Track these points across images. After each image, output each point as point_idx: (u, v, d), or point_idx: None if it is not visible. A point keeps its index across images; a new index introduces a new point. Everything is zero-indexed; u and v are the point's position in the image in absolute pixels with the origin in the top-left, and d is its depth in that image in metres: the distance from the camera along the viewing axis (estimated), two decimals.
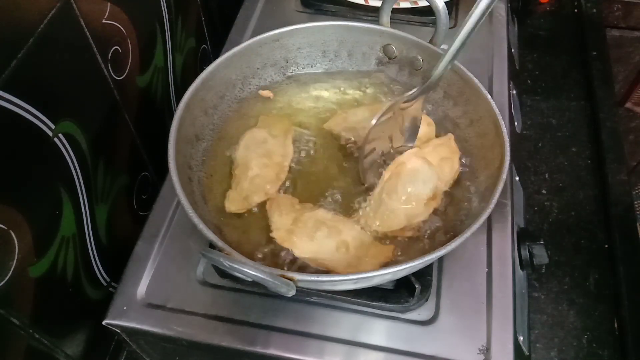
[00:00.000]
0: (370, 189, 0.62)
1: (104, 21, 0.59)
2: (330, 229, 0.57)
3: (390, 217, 0.58)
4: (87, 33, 0.56)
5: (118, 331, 0.60)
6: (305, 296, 0.59)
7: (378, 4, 0.71)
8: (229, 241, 0.57)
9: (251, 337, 0.58)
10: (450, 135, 0.66)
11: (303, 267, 0.56)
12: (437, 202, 0.60)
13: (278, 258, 0.57)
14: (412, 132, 0.64)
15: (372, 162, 0.65)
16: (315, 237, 0.56)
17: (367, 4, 0.91)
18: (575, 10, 1.20)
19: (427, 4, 0.64)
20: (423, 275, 0.60)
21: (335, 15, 0.92)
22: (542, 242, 0.67)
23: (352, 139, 0.67)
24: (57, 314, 0.57)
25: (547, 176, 0.94)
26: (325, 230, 0.57)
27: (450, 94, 0.68)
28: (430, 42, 0.66)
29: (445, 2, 0.63)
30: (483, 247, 0.64)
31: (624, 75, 1.38)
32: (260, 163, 0.63)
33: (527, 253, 0.66)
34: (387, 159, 0.65)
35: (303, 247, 0.56)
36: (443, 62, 0.58)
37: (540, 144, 0.98)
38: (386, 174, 0.60)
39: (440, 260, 0.63)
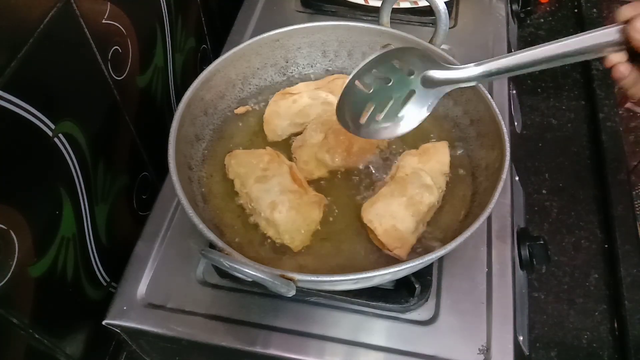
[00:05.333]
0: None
1: (104, 21, 0.59)
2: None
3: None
4: (87, 33, 0.56)
5: (118, 331, 0.60)
6: (305, 296, 0.59)
7: (378, 4, 0.70)
8: (229, 241, 0.57)
9: (251, 337, 0.58)
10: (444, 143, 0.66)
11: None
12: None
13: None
14: None
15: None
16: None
17: (367, 4, 0.91)
18: (575, 10, 1.20)
19: (427, 4, 0.64)
20: (423, 275, 0.60)
21: (335, 15, 0.92)
22: (542, 242, 0.67)
23: None
24: (57, 314, 0.57)
25: (547, 176, 0.94)
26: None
27: (451, 94, 0.67)
28: (430, 42, 0.66)
29: (445, 2, 0.63)
30: (483, 247, 0.64)
31: None
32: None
33: (527, 253, 0.66)
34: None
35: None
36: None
37: (540, 144, 0.98)
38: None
39: (440, 260, 0.63)
